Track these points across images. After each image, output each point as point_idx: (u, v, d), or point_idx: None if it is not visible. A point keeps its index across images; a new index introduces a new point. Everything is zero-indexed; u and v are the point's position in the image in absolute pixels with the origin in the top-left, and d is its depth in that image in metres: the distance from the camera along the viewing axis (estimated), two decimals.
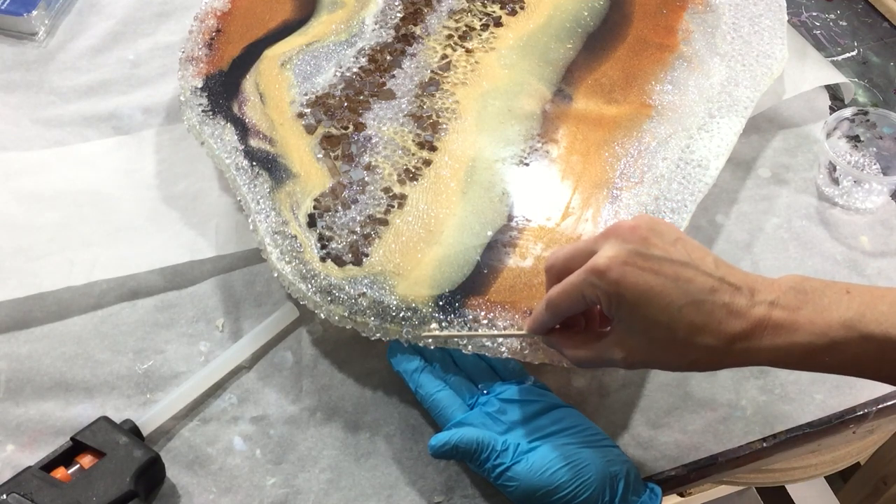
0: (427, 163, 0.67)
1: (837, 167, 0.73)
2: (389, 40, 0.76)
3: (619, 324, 0.50)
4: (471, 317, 0.59)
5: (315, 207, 0.64)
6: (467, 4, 0.79)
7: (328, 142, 0.68)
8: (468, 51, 0.75)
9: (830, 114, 0.78)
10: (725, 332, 0.48)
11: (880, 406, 0.63)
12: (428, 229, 0.63)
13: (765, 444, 0.61)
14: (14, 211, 0.72)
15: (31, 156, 0.77)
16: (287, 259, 0.62)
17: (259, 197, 0.65)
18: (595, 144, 0.69)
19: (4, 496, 0.54)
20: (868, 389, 0.63)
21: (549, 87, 0.73)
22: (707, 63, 0.75)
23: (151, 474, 0.57)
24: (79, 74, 0.84)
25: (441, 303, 0.59)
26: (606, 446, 0.56)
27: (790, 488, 1.31)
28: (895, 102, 0.82)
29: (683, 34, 0.77)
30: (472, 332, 0.58)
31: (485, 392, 0.59)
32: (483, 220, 0.64)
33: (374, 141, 0.68)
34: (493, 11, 0.79)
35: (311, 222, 0.63)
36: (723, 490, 1.12)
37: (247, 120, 0.70)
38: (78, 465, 0.57)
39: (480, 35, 0.77)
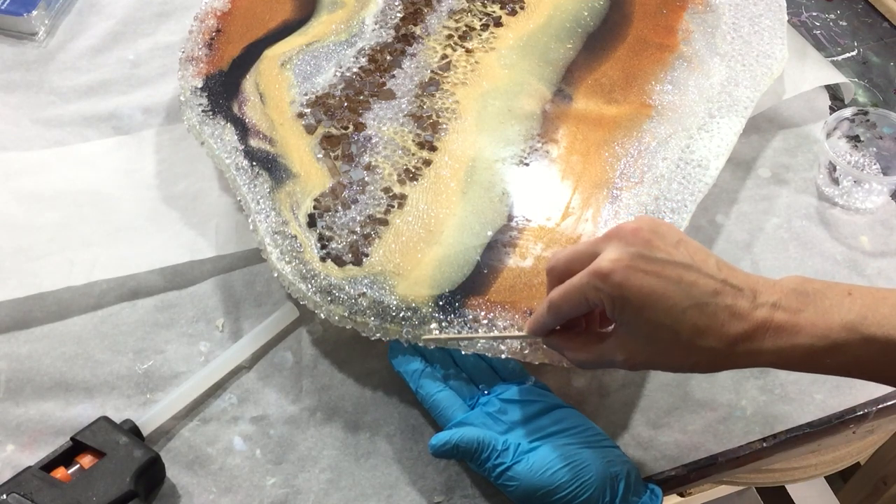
0: (427, 163, 0.67)
1: (837, 167, 0.73)
2: (389, 40, 0.76)
3: (621, 326, 0.50)
4: (471, 317, 0.59)
5: (315, 207, 0.64)
6: (467, 4, 0.79)
7: (328, 142, 0.68)
8: (468, 51, 0.75)
9: (830, 114, 0.78)
10: (728, 335, 0.48)
11: (880, 406, 0.63)
12: (428, 229, 0.63)
13: (765, 444, 0.61)
14: (14, 211, 0.72)
15: (31, 156, 0.77)
16: (287, 259, 0.62)
17: (259, 197, 0.65)
18: (595, 144, 0.69)
19: (4, 496, 0.54)
20: (868, 390, 0.63)
21: (549, 87, 0.73)
22: (707, 63, 0.75)
23: (151, 474, 0.57)
24: (79, 74, 0.84)
25: (441, 303, 0.59)
26: (607, 447, 0.56)
27: (790, 488, 1.31)
28: (895, 102, 0.82)
29: (683, 34, 0.77)
30: (473, 335, 0.58)
31: (485, 392, 0.59)
32: (483, 220, 0.64)
33: (374, 141, 0.68)
34: (493, 11, 0.79)
35: (311, 222, 0.63)
36: (723, 490, 1.12)
37: (247, 120, 0.70)
38: (78, 465, 0.57)
39: (480, 35, 0.77)
